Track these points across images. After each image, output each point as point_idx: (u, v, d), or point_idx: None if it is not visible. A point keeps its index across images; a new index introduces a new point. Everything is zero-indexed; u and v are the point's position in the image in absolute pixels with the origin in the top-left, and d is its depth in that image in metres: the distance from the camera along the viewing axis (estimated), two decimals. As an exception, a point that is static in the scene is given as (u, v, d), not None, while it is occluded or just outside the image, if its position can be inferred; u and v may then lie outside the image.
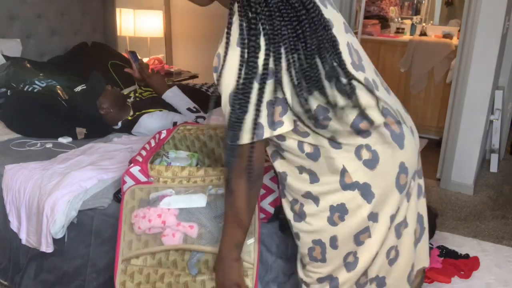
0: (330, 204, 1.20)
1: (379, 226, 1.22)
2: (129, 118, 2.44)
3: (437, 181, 3.47)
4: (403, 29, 4.95)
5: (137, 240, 1.40)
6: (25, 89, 2.54)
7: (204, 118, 2.38)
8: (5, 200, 1.90)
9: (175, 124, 2.34)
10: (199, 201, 1.38)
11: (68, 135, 2.32)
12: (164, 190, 1.43)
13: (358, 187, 1.18)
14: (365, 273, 1.27)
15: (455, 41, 4.27)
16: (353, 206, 1.19)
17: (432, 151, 4.02)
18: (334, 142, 1.15)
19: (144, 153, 1.57)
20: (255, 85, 1.04)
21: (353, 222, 1.20)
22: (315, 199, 1.21)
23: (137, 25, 3.89)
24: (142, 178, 1.45)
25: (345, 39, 1.18)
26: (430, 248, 2.49)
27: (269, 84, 1.05)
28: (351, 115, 1.14)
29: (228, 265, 1.21)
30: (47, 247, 1.76)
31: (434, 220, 2.65)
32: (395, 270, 1.31)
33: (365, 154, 1.17)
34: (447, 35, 4.51)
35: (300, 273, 1.34)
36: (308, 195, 1.22)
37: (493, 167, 3.73)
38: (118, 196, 1.70)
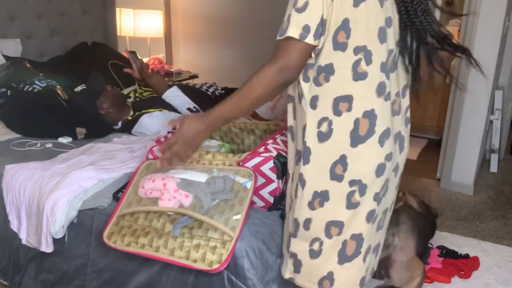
0: (296, 147, 1.35)
1: (301, 193, 1.32)
2: (129, 118, 2.44)
3: (437, 181, 3.47)
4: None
5: (137, 202, 1.52)
6: (25, 89, 2.54)
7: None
8: (5, 200, 1.90)
9: (175, 124, 2.34)
10: (200, 176, 1.50)
11: (68, 135, 2.32)
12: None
13: (304, 148, 1.29)
14: (288, 239, 1.41)
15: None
16: (301, 157, 1.30)
17: (432, 151, 4.02)
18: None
19: (170, 136, 1.75)
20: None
21: (296, 171, 1.33)
22: (292, 136, 1.37)
23: (137, 25, 3.89)
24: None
25: None
26: (430, 248, 2.49)
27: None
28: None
29: (203, 122, 1.30)
30: (47, 247, 1.76)
31: (434, 220, 2.65)
32: (316, 266, 1.40)
33: (324, 127, 1.26)
34: (447, 35, 4.50)
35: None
36: (289, 129, 1.38)
37: (493, 167, 3.74)
38: (118, 196, 1.70)
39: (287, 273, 1.43)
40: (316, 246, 1.35)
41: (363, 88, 1.22)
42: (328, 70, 1.21)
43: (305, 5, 1.14)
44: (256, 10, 4.24)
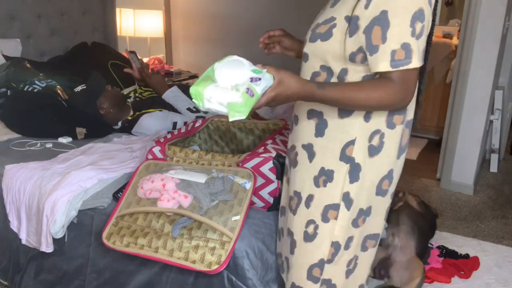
0: (321, 166, 1.25)
1: (347, 215, 1.25)
2: (129, 118, 2.44)
3: (437, 181, 3.47)
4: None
5: (136, 203, 1.52)
6: (25, 89, 2.54)
7: (204, 117, 2.38)
8: (5, 200, 1.90)
9: (175, 124, 2.34)
10: (199, 177, 1.50)
11: (68, 135, 2.32)
12: (175, 166, 1.61)
13: (351, 164, 1.21)
14: (320, 265, 1.30)
15: (455, 41, 4.27)
16: (337, 177, 1.23)
17: (432, 151, 4.02)
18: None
19: (169, 136, 1.80)
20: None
21: (329, 193, 1.25)
22: (311, 154, 1.26)
23: (137, 25, 3.89)
24: (160, 157, 1.71)
25: None
26: (430, 248, 2.49)
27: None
28: None
29: (302, 90, 1.09)
30: (47, 247, 1.76)
31: (434, 220, 2.65)
32: (349, 284, 1.37)
33: (376, 140, 1.20)
34: (447, 35, 4.50)
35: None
36: (307, 147, 1.27)
37: (493, 167, 3.73)
38: (118, 196, 1.70)
39: None
40: (352, 265, 1.33)
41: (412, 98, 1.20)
42: None
43: (422, 30, 1.08)
44: (256, 10, 4.24)
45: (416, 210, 2.45)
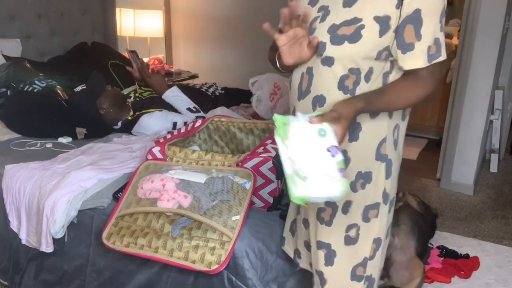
0: (358, 171, 1.24)
1: (385, 209, 1.28)
2: (129, 118, 2.44)
3: (437, 181, 3.47)
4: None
5: (136, 203, 1.52)
6: (25, 89, 2.54)
7: (204, 117, 2.38)
8: (5, 200, 1.90)
9: (174, 124, 2.34)
10: (199, 177, 1.50)
11: (68, 135, 2.32)
12: (175, 166, 1.61)
13: (386, 161, 1.24)
14: (364, 263, 1.30)
15: (455, 41, 4.27)
16: (376, 177, 1.24)
17: (432, 151, 4.02)
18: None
19: (169, 136, 1.80)
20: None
21: (368, 194, 1.25)
22: (346, 161, 1.23)
23: (137, 25, 3.89)
24: (160, 157, 1.70)
25: None
26: (430, 248, 2.49)
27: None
28: None
29: (356, 112, 1.09)
30: (47, 247, 1.76)
31: (434, 220, 2.65)
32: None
33: (396, 134, 1.25)
34: (447, 35, 4.50)
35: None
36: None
37: (493, 167, 3.73)
38: (118, 196, 1.70)
39: None
40: (384, 254, 1.37)
41: None
42: None
43: (443, 25, 1.15)
44: (256, 10, 4.23)
45: (416, 210, 2.45)
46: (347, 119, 1.05)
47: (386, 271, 2.12)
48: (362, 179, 1.24)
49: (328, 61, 1.17)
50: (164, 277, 1.57)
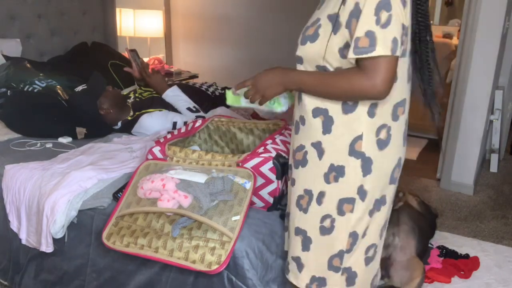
0: (331, 163, 1.27)
1: (362, 206, 1.29)
2: (129, 118, 2.44)
3: (437, 181, 3.47)
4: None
5: (136, 203, 1.52)
6: (25, 89, 2.54)
7: (204, 117, 2.38)
8: (5, 200, 1.90)
9: (174, 124, 2.34)
10: (199, 177, 1.50)
11: (68, 135, 2.32)
12: (175, 166, 1.61)
13: (362, 158, 1.25)
14: (340, 255, 1.33)
15: (455, 41, 4.28)
16: (350, 172, 1.25)
17: (432, 151, 4.02)
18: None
19: (169, 136, 1.80)
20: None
21: (342, 187, 1.27)
22: (320, 151, 1.28)
23: (137, 25, 3.89)
24: (160, 157, 1.71)
25: None
26: (430, 248, 2.49)
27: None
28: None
29: (280, 76, 1.29)
30: (47, 247, 1.76)
31: (434, 220, 2.65)
32: (368, 271, 1.39)
33: (383, 134, 1.25)
34: (447, 35, 4.51)
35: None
36: (316, 145, 1.28)
37: (493, 167, 3.73)
38: (118, 196, 1.70)
39: None
40: (371, 253, 1.37)
41: (409, 89, 1.29)
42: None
43: (389, 19, 1.10)
44: (256, 10, 4.24)
45: (416, 210, 2.45)
46: (265, 71, 1.30)
47: (386, 271, 2.12)
48: (334, 172, 1.27)
49: (299, 60, 1.29)
50: (164, 277, 1.57)
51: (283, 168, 1.57)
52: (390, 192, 1.33)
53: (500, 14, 2.97)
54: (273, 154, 1.59)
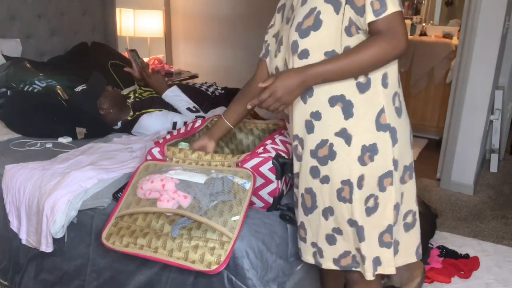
0: (362, 144, 1.29)
1: (396, 176, 1.33)
2: (129, 118, 2.44)
3: (437, 181, 3.47)
4: (403, 29, 4.93)
5: (136, 203, 1.51)
6: (25, 89, 2.54)
7: (203, 117, 2.38)
8: (5, 200, 1.90)
9: (174, 124, 2.34)
10: (199, 177, 1.50)
11: (68, 135, 2.32)
12: (174, 166, 1.61)
13: (389, 130, 1.28)
14: (389, 230, 1.36)
15: (455, 41, 4.27)
16: (383, 147, 1.28)
17: (432, 151, 4.02)
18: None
19: (168, 136, 1.79)
20: None
21: (379, 165, 1.29)
22: (348, 137, 1.29)
23: (137, 25, 3.89)
24: (160, 157, 1.70)
25: None
26: (430, 248, 2.49)
27: None
28: None
29: (301, 76, 1.25)
30: (47, 247, 1.76)
31: (434, 220, 2.65)
32: (410, 239, 1.46)
33: (397, 102, 1.31)
34: (447, 35, 4.50)
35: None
36: (341, 133, 1.29)
37: (493, 167, 3.74)
38: (118, 196, 1.70)
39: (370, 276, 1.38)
40: (409, 219, 1.44)
41: None
42: None
43: None
44: (256, 10, 4.23)
45: (416, 210, 2.45)
46: (283, 78, 1.25)
47: (386, 271, 2.12)
48: (368, 152, 1.29)
49: (304, 54, 1.27)
50: (164, 277, 1.57)
51: (282, 168, 1.57)
52: (411, 157, 1.39)
53: (500, 14, 2.97)
54: (273, 154, 1.59)
